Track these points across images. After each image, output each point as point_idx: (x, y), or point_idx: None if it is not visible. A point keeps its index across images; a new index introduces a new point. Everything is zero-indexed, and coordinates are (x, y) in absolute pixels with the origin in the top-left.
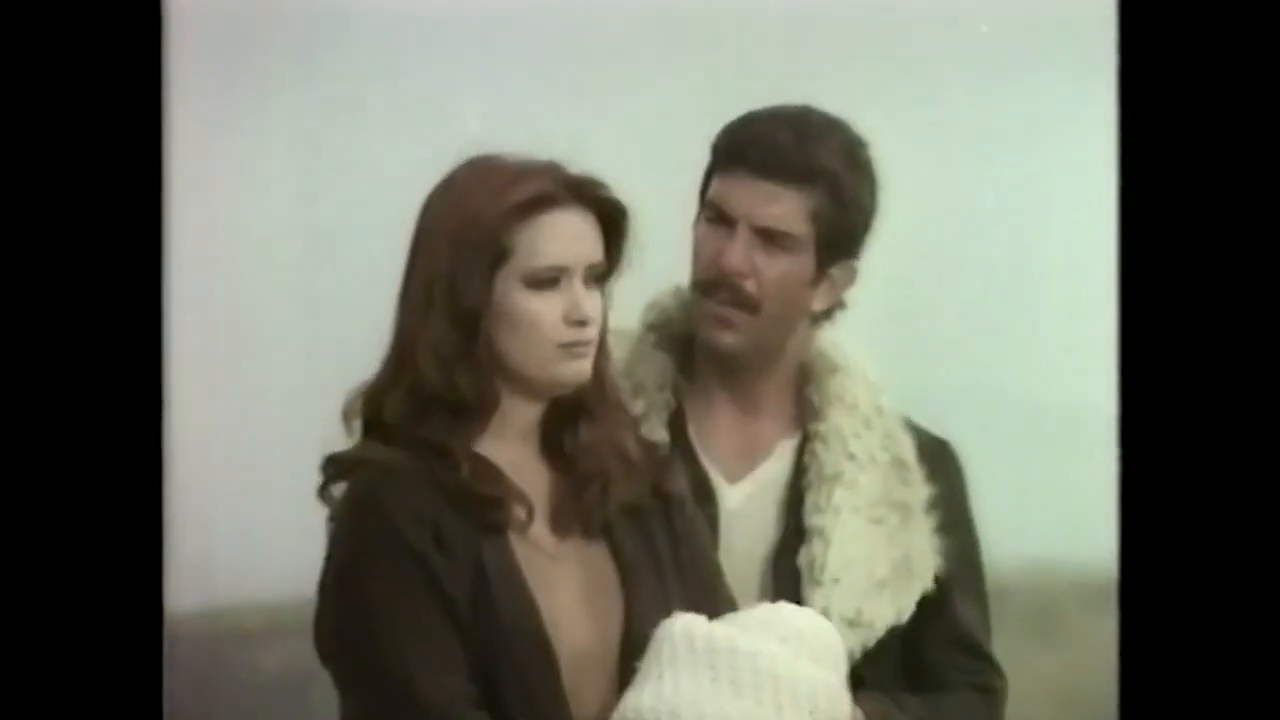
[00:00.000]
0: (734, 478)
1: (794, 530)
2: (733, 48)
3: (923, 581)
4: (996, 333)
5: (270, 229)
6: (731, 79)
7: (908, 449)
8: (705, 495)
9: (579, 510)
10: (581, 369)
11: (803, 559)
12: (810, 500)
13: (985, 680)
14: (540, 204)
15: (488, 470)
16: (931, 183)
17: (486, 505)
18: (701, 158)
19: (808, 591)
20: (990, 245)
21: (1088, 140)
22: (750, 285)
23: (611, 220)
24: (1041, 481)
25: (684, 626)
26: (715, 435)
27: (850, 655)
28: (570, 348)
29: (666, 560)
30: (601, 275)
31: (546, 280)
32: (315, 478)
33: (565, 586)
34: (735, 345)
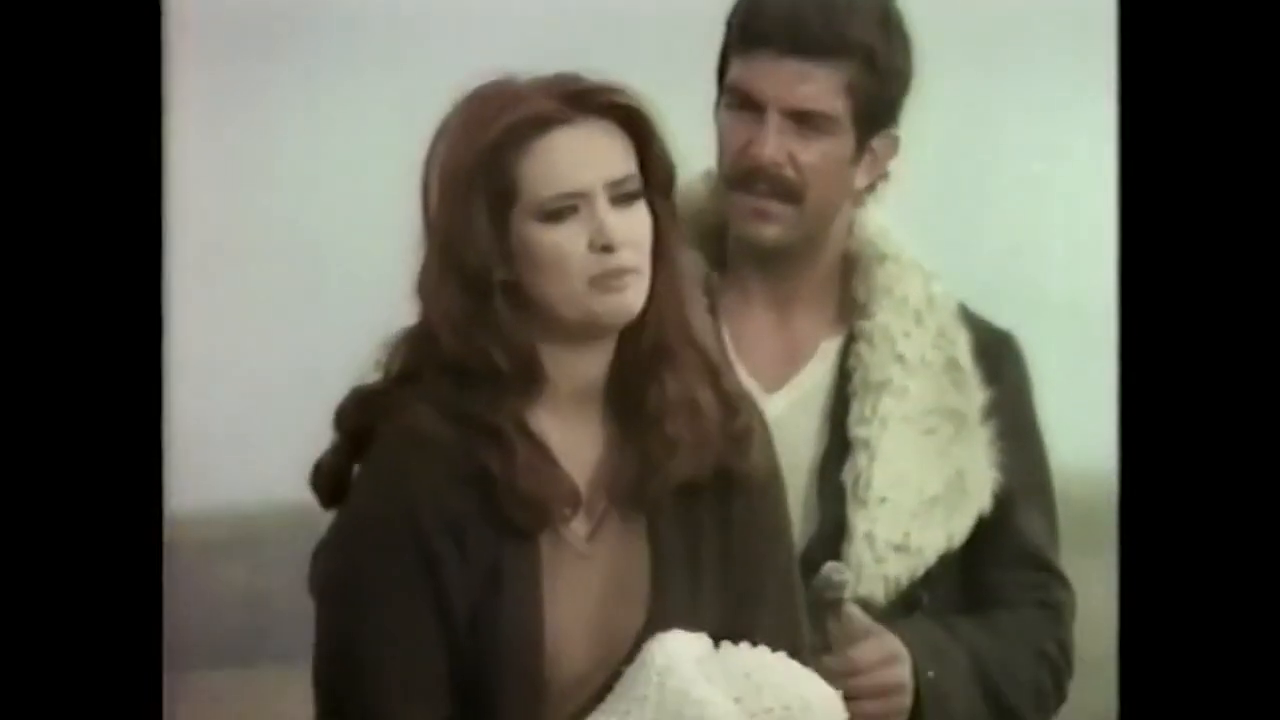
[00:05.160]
0: (773, 386)
1: (839, 442)
2: None
3: (978, 501)
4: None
5: (270, 225)
6: None
7: (963, 348)
8: None
9: (629, 489)
10: (623, 303)
11: (847, 474)
12: (855, 409)
13: (1049, 595)
14: (534, 126)
15: (541, 461)
16: (931, 181)
17: (529, 507)
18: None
19: (852, 511)
20: (991, 242)
21: (1087, 137)
22: (790, 173)
23: (638, 126)
24: (1043, 378)
25: (666, 658)
26: (752, 338)
27: (897, 582)
28: (602, 279)
29: (710, 555)
30: (634, 191)
31: (562, 210)
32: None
33: (585, 590)
34: (779, 238)
